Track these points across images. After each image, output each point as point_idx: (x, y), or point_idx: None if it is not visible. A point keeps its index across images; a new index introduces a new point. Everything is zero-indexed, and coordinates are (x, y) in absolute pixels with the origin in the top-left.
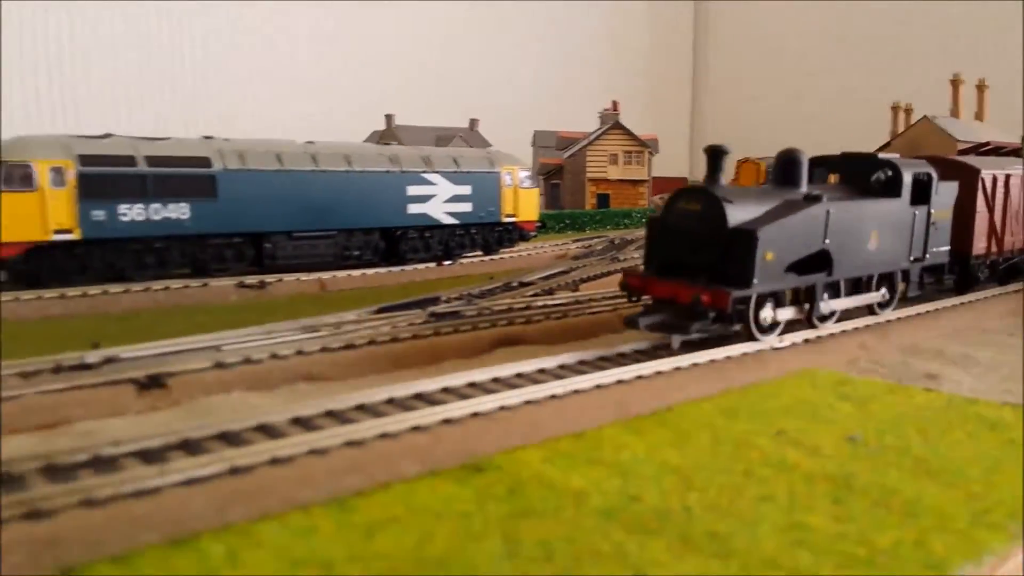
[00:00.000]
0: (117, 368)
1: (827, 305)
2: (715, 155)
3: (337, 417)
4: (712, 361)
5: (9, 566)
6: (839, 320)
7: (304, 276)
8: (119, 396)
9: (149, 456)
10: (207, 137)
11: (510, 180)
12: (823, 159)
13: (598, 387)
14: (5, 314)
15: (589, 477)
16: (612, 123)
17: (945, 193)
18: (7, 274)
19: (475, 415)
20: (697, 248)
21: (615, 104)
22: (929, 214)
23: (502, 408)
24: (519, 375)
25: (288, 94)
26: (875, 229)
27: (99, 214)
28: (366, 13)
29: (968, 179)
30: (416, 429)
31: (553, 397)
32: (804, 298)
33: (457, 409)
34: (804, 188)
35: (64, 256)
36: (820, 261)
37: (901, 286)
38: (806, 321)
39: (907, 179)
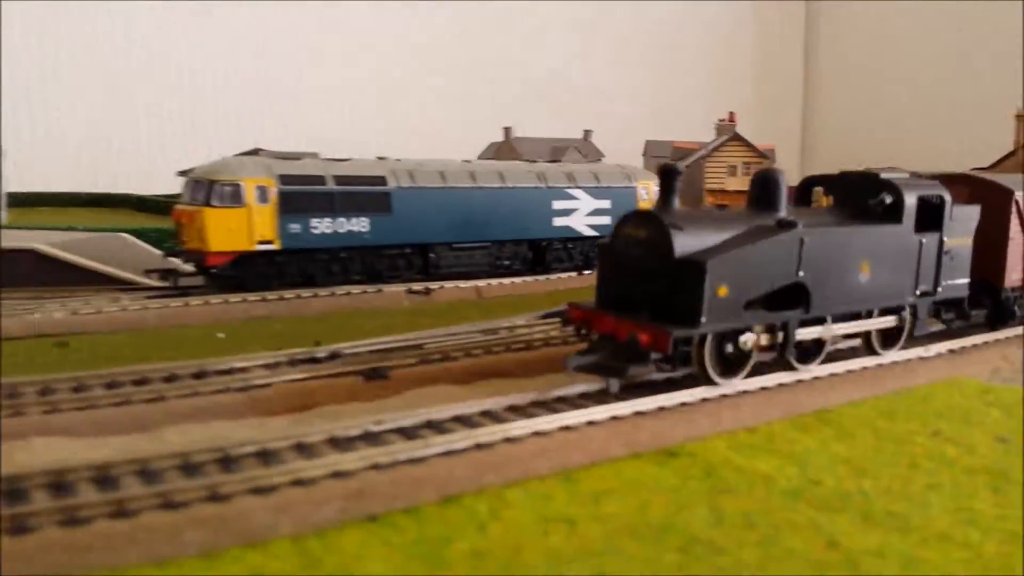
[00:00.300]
0: (343, 361)
1: (808, 332)
2: (667, 176)
3: (545, 406)
4: (864, 368)
5: (325, 513)
6: (829, 360)
7: (462, 284)
8: (350, 385)
9: (407, 432)
10: (381, 157)
11: (646, 194)
12: (819, 179)
13: (763, 389)
14: (218, 314)
15: (771, 464)
16: (731, 135)
17: (963, 218)
18: (206, 278)
19: (661, 409)
20: (643, 280)
21: (732, 115)
22: (941, 242)
23: (682, 404)
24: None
25: (402, 106)
26: (867, 259)
27: (295, 227)
28: (475, 25)
29: (998, 202)
30: (615, 419)
31: (724, 396)
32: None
33: (651, 403)
34: (782, 212)
35: (265, 264)
36: (796, 295)
37: (909, 323)
38: (781, 362)
39: (910, 203)
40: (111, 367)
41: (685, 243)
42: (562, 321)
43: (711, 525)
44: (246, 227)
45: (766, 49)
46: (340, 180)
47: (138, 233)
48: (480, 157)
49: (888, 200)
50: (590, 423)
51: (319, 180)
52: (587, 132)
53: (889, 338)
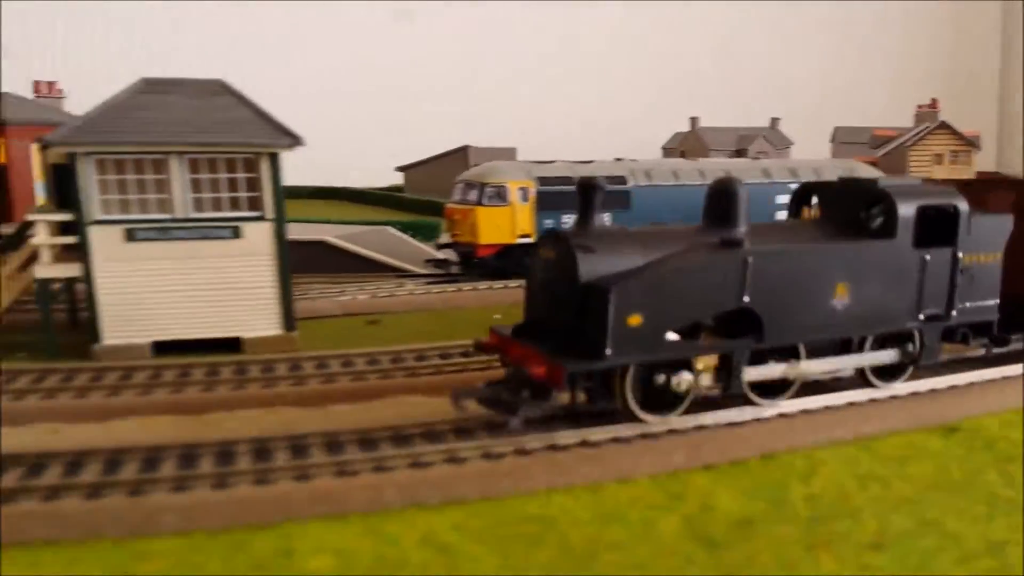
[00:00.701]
0: None
1: (759, 372)
2: (585, 191)
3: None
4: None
5: (674, 461)
6: (805, 393)
7: None
8: None
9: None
10: (618, 159)
11: None
12: (814, 187)
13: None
14: (485, 298)
15: None
16: (937, 122)
17: (987, 230)
18: (469, 268)
19: (951, 387)
20: (552, 305)
21: (934, 102)
22: (956, 258)
23: (971, 384)
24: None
25: (586, 99)
26: (845, 281)
27: (549, 223)
28: (653, 17)
29: None
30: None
31: (973, 384)
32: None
33: (941, 382)
34: (741, 227)
35: (523, 254)
36: (747, 322)
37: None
38: (727, 396)
39: (905, 214)
40: (434, 341)
41: (593, 266)
42: (474, 347)
43: (1004, 486)
44: (509, 223)
45: (960, 29)
46: None
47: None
48: (664, 147)
49: (876, 212)
50: (893, 397)
51: (569, 181)
52: (774, 120)
53: (895, 367)
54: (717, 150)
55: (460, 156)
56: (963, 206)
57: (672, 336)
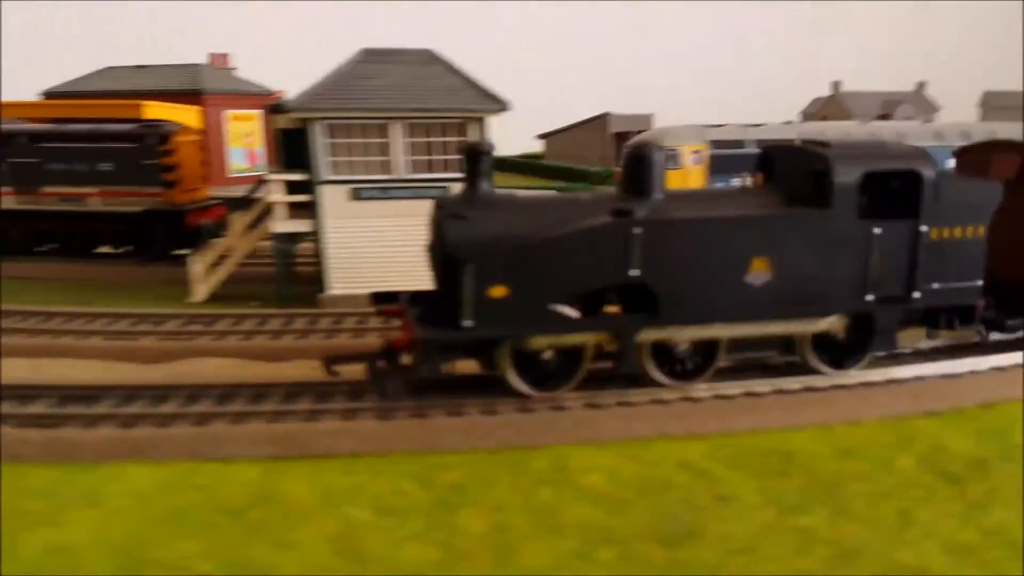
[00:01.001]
0: None
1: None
2: (471, 156)
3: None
4: None
5: (898, 408)
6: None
7: None
8: None
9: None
10: (787, 122)
11: None
12: (772, 151)
13: None
14: None
15: None
16: None
17: (965, 199)
18: None
19: None
20: (433, 272)
21: None
22: (918, 233)
23: None
24: None
25: (722, 62)
26: (764, 255)
27: (720, 186)
28: None
29: None
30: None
31: None
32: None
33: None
34: (656, 195)
35: None
36: (642, 297)
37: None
38: (622, 377)
39: (844, 181)
40: None
41: (463, 235)
42: (375, 312)
43: None
44: (680, 185)
45: None
46: (758, 144)
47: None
48: (804, 112)
49: (815, 178)
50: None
51: (740, 144)
52: (920, 84)
53: (848, 351)
54: (860, 116)
55: (600, 123)
56: (927, 172)
57: (569, 311)
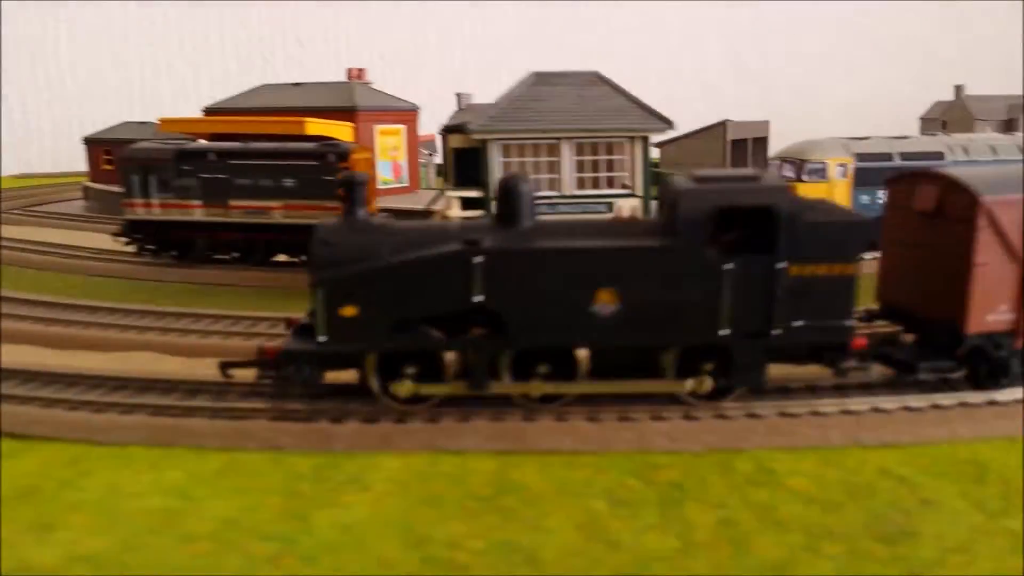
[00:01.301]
0: None
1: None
2: (348, 186)
3: None
4: None
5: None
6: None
7: None
8: None
9: None
10: (932, 134)
11: None
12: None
13: None
14: None
15: None
16: None
17: (832, 237)
18: None
19: None
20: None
21: None
22: (775, 270)
23: None
24: None
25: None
26: (612, 286)
27: (865, 199)
28: None
29: (957, 209)
30: None
31: None
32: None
33: None
34: (525, 224)
35: None
36: (493, 320)
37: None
38: (476, 398)
39: (689, 215)
40: None
41: (323, 258)
42: (285, 324)
43: None
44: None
45: None
46: (905, 156)
47: None
48: (924, 116)
49: (667, 209)
50: None
51: (887, 157)
52: None
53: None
54: (984, 120)
55: (718, 131)
56: (784, 208)
57: (433, 331)
